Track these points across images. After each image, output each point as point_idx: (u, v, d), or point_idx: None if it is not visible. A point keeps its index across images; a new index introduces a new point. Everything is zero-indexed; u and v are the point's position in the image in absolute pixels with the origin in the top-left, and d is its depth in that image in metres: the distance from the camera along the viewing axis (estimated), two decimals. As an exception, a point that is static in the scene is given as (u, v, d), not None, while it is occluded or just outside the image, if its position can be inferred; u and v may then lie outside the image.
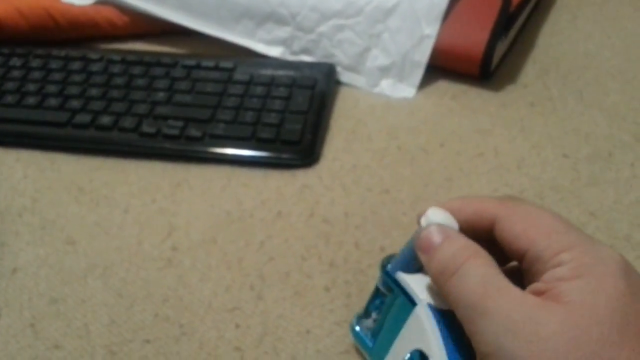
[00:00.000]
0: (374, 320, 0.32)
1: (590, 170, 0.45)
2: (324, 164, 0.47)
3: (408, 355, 0.28)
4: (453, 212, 0.29)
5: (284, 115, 0.49)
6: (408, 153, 0.48)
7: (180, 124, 0.48)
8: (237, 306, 0.37)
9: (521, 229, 0.26)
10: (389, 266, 0.31)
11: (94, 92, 0.52)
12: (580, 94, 0.53)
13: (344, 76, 0.55)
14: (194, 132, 0.48)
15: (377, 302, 0.32)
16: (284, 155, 0.47)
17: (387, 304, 0.31)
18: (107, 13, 0.60)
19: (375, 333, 0.32)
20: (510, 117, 0.51)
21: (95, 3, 0.61)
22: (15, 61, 0.55)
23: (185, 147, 0.47)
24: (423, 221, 0.29)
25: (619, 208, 0.42)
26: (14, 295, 0.39)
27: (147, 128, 0.48)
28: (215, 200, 0.44)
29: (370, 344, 0.32)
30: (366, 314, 0.33)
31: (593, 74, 0.55)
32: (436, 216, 0.28)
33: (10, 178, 0.46)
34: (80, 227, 0.43)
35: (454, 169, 0.46)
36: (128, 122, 0.49)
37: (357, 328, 0.33)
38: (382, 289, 0.32)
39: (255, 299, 0.38)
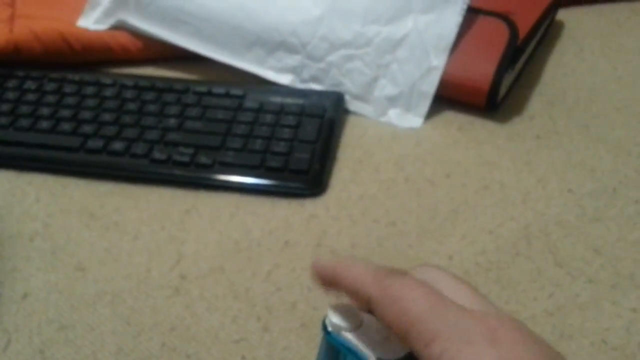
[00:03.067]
0: None
1: (594, 206, 0.46)
2: (332, 194, 0.48)
3: None
4: (333, 281, 0.29)
5: (293, 144, 0.50)
6: (414, 184, 0.48)
7: (190, 150, 0.49)
8: (244, 337, 0.38)
9: (393, 316, 0.26)
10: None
11: (106, 117, 0.53)
12: (586, 127, 0.53)
13: (352, 105, 0.56)
14: (204, 159, 0.49)
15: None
16: (292, 185, 0.47)
17: None
18: (121, 38, 0.61)
19: None
20: (516, 150, 0.51)
21: (110, 28, 0.62)
22: (30, 84, 0.56)
23: (195, 174, 0.48)
24: (328, 323, 0.29)
25: (623, 245, 0.43)
26: (23, 321, 0.39)
27: (158, 154, 0.49)
28: (224, 229, 0.45)
29: None
30: None
31: (599, 107, 0.55)
32: (336, 317, 0.29)
33: (23, 202, 0.47)
34: (91, 253, 0.43)
35: (459, 202, 0.47)
36: (140, 148, 0.50)
37: None
38: (325, 349, 0.31)
39: (261, 330, 0.38)
